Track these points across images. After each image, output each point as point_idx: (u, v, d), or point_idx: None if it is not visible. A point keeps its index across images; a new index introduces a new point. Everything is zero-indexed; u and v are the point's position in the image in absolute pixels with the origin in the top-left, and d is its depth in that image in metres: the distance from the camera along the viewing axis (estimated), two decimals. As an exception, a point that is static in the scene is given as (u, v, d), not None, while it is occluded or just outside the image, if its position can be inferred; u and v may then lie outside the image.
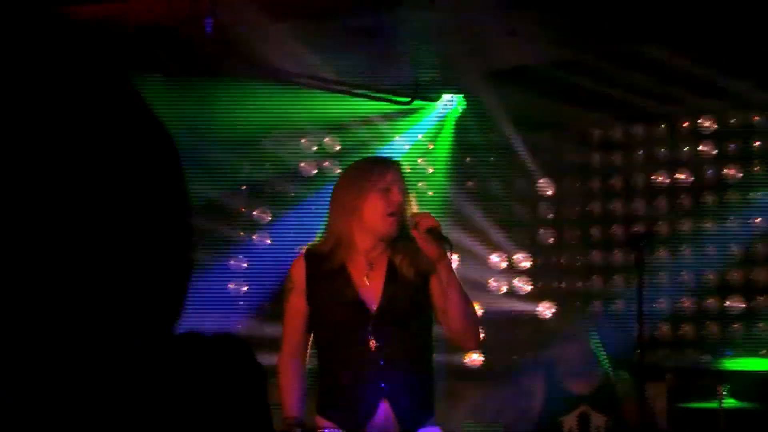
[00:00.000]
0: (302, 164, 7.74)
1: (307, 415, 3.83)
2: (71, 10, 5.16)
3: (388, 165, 3.77)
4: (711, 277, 6.85)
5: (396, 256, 3.71)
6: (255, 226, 7.83)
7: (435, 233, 3.56)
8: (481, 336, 3.91)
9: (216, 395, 2.23)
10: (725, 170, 6.91)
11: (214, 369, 2.28)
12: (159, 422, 2.37)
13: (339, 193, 3.79)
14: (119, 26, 5.50)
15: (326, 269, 3.72)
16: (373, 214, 3.64)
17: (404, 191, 3.70)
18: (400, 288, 3.69)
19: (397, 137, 7.44)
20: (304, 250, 3.83)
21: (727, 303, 6.78)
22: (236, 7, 5.43)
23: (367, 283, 3.72)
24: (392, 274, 3.71)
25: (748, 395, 5.70)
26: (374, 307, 3.68)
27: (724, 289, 6.81)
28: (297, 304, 3.77)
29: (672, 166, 7.04)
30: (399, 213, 3.63)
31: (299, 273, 3.78)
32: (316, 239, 3.82)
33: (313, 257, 3.77)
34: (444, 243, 3.57)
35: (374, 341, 3.63)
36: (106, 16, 5.31)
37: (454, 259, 3.84)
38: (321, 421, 3.75)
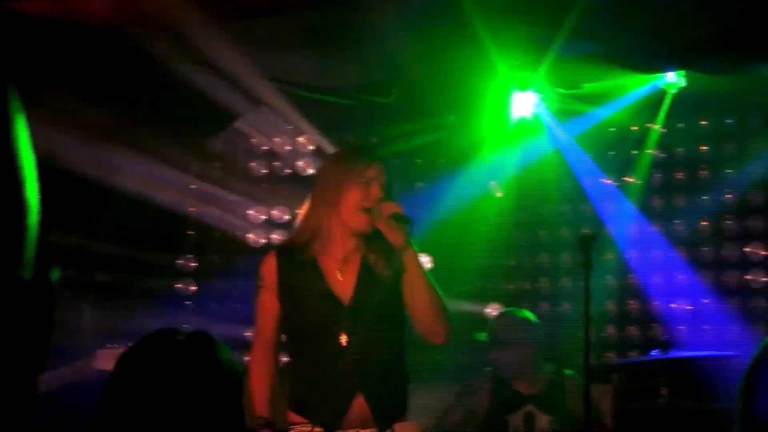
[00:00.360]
0: (252, 163, 7.74)
1: (279, 413, 3.77)
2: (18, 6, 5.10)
3: (373, 159, 3.75)
4: (657, 279, 6.95)
5: (371, 254, 3.69)
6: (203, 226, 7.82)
7: (397, 217, 3.57)
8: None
9: (189, 394, 2.21)
10: (673, 174, 7.03)
11: (188, 367, 2.26)
12: (133, 421, 2.35)
13: (320, 183, 3.82)
14: (65, 23, 5.47)
15: (299, 262, 3.71)
16: (349, 208, 3.62)
17: (385, 188, 3.65)
18: (373, 284, 3.68)
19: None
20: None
21: (672, 305, 6.88)
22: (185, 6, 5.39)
23: (340, 278, 3.70)
24: (366, 270, 3.69)
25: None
26: (346, 301, 3.67)
27: (670, 292, 6.92)
28: (268, 301, 3.74)
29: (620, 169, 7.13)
30: (376, 209, 3.59)
31: (270, 270, 3.74)
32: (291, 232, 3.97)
33: (285, 252, 3.78)
34: (406, 225, 3.59)
35: (346, 336, 3.62)
36: (51, 13, 5.26)
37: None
38: (294, 417, 3.72)
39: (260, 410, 3.68)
